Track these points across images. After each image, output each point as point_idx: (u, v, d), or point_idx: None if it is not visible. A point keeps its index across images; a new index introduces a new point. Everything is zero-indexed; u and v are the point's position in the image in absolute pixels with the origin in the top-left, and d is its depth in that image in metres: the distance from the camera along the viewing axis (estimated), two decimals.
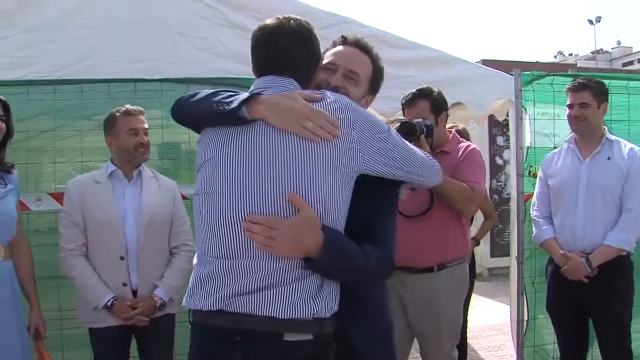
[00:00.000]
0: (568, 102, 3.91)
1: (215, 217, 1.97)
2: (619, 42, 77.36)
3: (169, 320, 3.62)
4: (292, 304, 1.88)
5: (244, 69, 4.55)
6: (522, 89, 4.53)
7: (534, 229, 4.10)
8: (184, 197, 3.86)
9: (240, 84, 4.38)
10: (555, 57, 79.94)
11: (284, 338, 1.88)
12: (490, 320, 7.05)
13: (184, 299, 2.06)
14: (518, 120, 4.56)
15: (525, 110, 4.55)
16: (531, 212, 4.14)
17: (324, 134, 1.90)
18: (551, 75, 4.60)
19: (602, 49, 74.10)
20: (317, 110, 1.93)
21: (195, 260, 2.08)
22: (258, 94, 1.98)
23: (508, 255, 5.58)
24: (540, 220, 4.02)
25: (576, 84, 3.91)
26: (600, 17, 71.36)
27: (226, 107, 1.96)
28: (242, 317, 1.90)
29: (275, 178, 1.89)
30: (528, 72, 4.59)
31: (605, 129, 3.96)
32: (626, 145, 3.91)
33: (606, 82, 4.03)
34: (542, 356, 4.62)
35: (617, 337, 3.79)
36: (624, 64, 63.95)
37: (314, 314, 1.89)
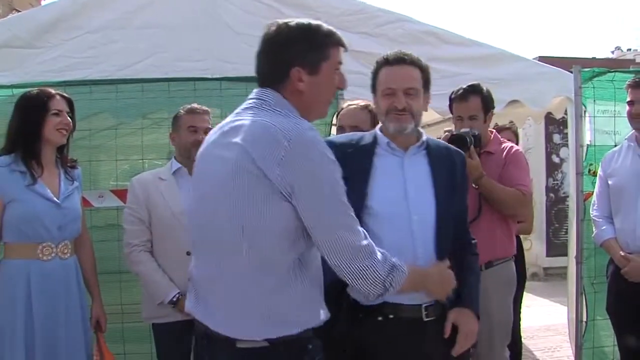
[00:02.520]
0: (628, 99, 3.82)
1: None
2: None
3: None
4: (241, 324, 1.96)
5: None
6: (582, 86, 4.45)
7: (593, 229, 4.02)
8: None
9: None
10: (612, 52, 78.03)
11: (236, 345, 1.95)
12: (545, 320, 6.95)
13: None
14: (578, 118, 4.48)
15: (585, 107, 4.47)
16: (591, 212, 4.06)
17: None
18: (612, 71, 4.51)
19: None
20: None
21: None
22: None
23: (564, 254, 5.50)
24: (600, 220, 3.94)
25: (637, 79, 3.82)
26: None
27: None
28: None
29: None
30: (588, 69, 4.51)
31: None
32: None
33: None
34: (601, 358, 4.54)
35: None
36: None
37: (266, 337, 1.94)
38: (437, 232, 2.48)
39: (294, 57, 2.00)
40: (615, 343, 4.09)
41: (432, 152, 2.62)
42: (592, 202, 4.08)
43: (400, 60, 2.56)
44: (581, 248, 4.42)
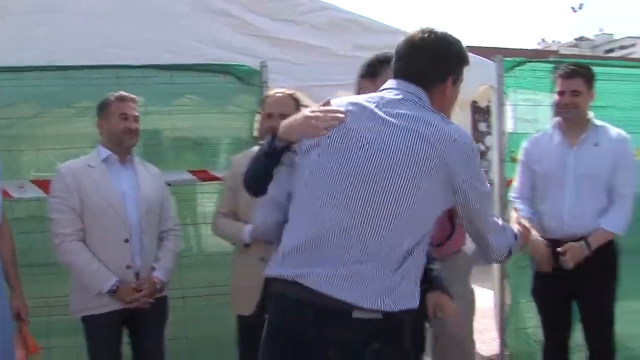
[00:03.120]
0: (559, 89, 3.86)
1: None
2: (601, 30, 77.99)
3: (164, 303, 3.67)
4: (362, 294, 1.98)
5: (226, 55, 4.60)
6: (504, 75, 4.56)
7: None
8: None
9: (222, 70, 4.40)
10: (538, 44, 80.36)
11: (352, 316, 1.97)
12: None
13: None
14: (500, 107, 4.59)
15: (507, 96, 4.57)
16: (511, 196, 4.12)
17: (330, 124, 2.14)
18: (532, 61, 4.64)
19: (584, 37, 74.53)
20: (316, 109, 2.22)
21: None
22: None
23: None
24: (518, 202, 4.01)
25: (568, 70, 3.86)
26: (582, 5, 71.80)
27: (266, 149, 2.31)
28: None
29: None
30: (510, 59, 4.62)
31: (590, 114, 3.93)
32: (613, 130, 3.89)
33: None
34: (525, 339, 4.68)
35: (602, 321, 3.84)
36: (606, 51, 64.44)
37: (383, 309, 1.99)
38: None
39: (453, 66, 2.23)
40: (539, 324, 4.21)
41: None
42: (513, 186, 4.13)
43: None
44: None
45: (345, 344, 1.98)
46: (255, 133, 4.05)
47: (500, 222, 2.29)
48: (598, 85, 4.00)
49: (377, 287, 1.97)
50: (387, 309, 1.96)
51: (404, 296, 2.02)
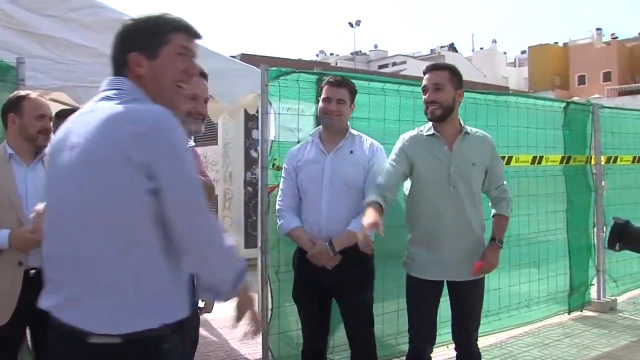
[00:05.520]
0: (325, 96, 4.02)
1: None
2: (375, 46, 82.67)
3: None
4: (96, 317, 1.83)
5: None
6: (269, 84, 4.64)
7: (278, 220, 4.18)
8: None
9: None
10: (317, 55, 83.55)
11: (87, 340, 1.82)
12: None
13: None
14: (264, 115, 4.65)
15: (271, 104, 4.66)
16: (277, 204, 4.22)
17: None
18: (297, 72, 4.75)
19: (360, 51, 78.71)
20: None
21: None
22: None
23: None
24: (285, 210, 4.11)
25: (337, 79, 4.05)
26: (360, 21, 75.71)
27: None
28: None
29: None
30: (275, 68, 4.70)
31: (348, 124, 4.13)
32: (367, 140, 4.13)
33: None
34: (287, 342, 4.77)
35: (361, 319, 4.02)
36: (380, 66, 68.48)
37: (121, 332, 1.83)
38: None
39: (133, 43, 2.04)
40: (299, 327, 4.34)
41: None
42: (279, 194, 4.23)
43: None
44: (265, 239, 4.61)
45: None
46: None
47: None
48: (360, 97, 4.23)
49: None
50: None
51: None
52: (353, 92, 4.10)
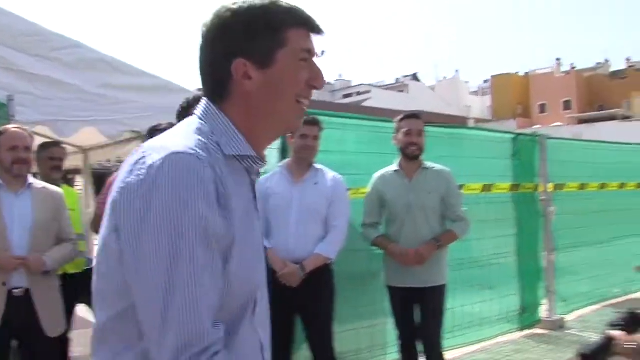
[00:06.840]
0: (302, 133, 4.39)
1: None
2: (340, 75, 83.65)
3: None
4: None
5: None
6: None
7: None
8: None
9: None
10: None
11: None
12: None
13: None
14: None
15: None
16: None
17: None
18: None
19: (325, 81, 79.19)
20: None
21: None
22: None
23: None
24: None
25: (312, 118, 4.46)
26: (324, 51, 76.12)
27: None
28: None
29: None
30: None
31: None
32: (329, 173, 4.57)
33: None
34: None
35: (323, 335, 4.41)
36: (345, 96, 69.20)
37: None
38: None
39: (233, 45, 1.43)
40: None
41: None
42: None
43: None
44: None
45: None
46: None
47: None
48: (326, 132, 4.64)
49: None
50: None
51: None
52: (321, 129, 4.55)
